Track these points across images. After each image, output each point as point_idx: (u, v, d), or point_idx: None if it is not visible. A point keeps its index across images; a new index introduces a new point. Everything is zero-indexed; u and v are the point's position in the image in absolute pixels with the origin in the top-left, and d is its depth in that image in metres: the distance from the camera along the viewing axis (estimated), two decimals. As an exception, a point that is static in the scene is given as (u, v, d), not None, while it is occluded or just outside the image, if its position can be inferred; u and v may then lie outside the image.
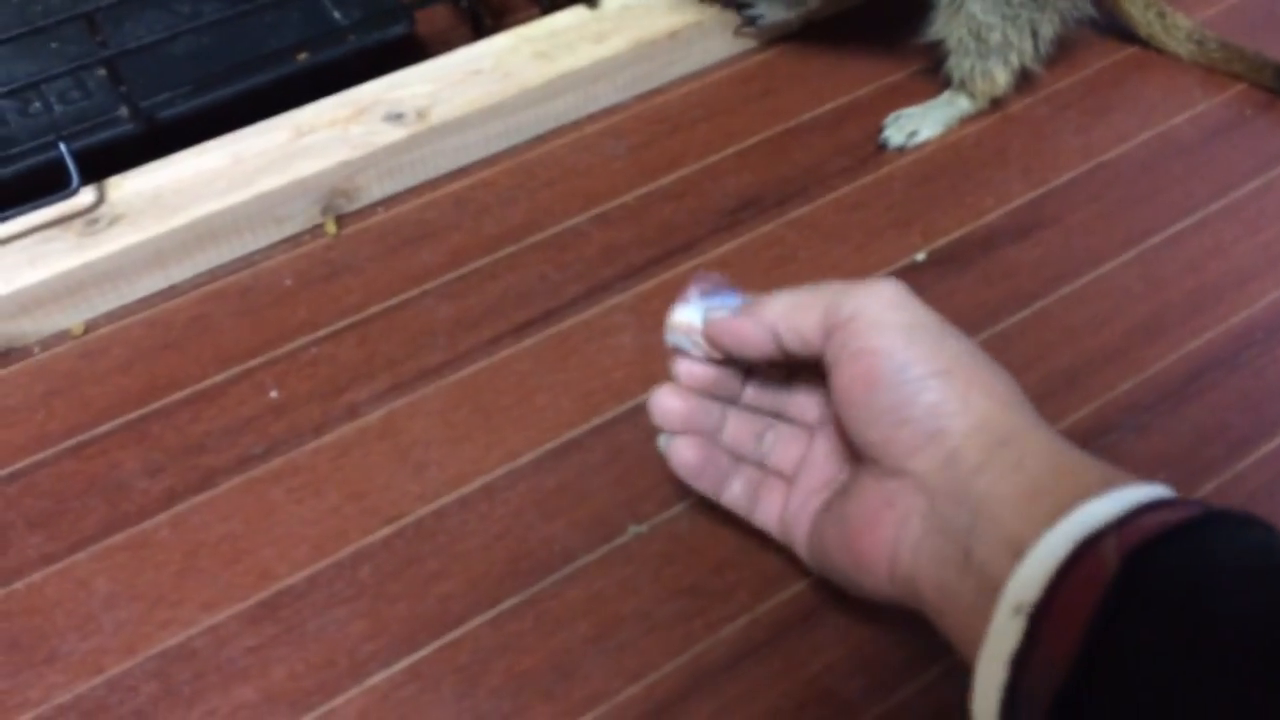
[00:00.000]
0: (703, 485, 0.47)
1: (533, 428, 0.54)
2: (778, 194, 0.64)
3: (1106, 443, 0.53)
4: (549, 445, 0.53)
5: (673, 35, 0.68)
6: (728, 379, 0.46)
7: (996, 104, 0.68)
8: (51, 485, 0.51)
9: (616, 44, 0.67)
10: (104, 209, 0.58)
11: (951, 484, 0.37)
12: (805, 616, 0.47)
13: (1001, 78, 0.65)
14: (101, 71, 0.65)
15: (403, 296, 0.59)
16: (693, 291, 0.46)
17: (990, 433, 0.37)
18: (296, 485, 0.51)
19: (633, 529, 0.50)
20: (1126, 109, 0.69)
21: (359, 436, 0.53)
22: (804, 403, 0.46)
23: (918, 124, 0.66)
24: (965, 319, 0.58)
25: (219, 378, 0.55)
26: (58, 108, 0.66)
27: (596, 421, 0.54)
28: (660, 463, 0.52)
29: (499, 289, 0.59)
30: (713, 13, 0.69)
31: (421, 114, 0.63)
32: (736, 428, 0.46)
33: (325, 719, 0.44)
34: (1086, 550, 0.32)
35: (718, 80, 0.71)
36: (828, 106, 0.70)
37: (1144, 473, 0.52)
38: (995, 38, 0.63)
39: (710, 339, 0.44)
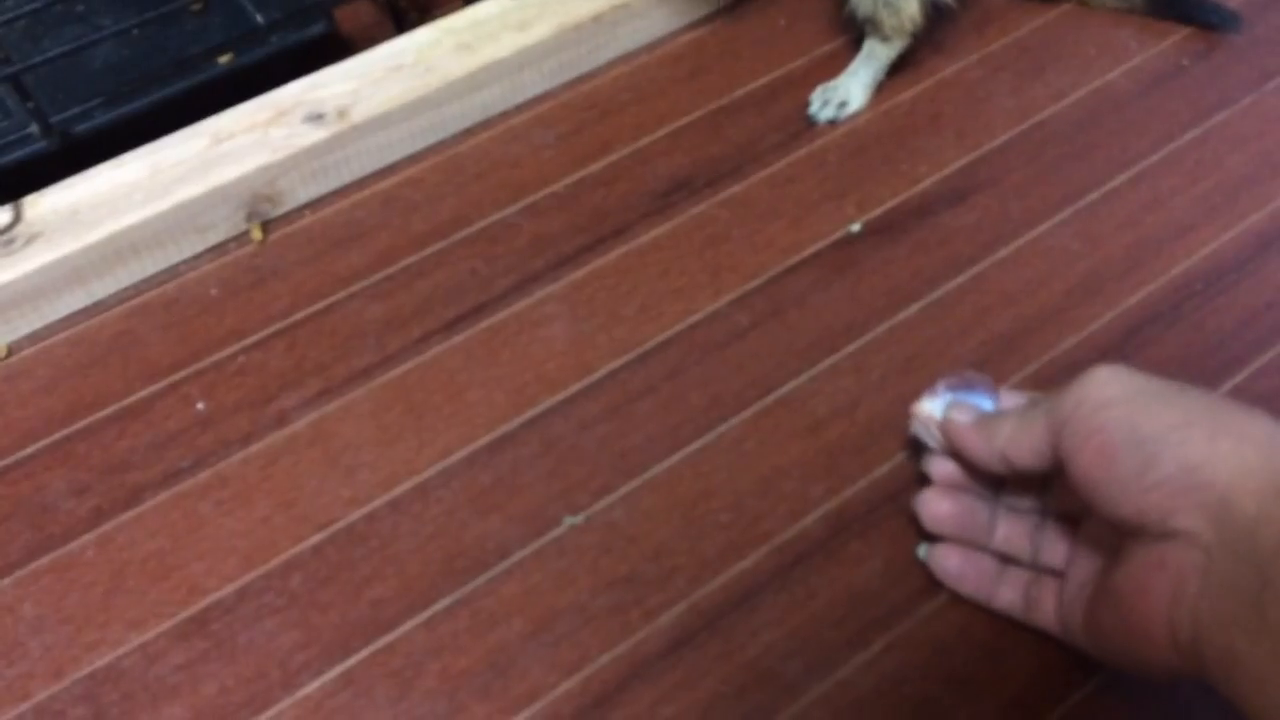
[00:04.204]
0: (968, 590, 0.45)
1: (465, 424, 0.53)
2: (710, 173, 0.63)
3: (1045, 404, 0.52)
4: (482, 441, 0.52)
5: (597, 19, 0.67)
6: (983, 475, 0.44)
7: (912, 48, 0.66)
8: (-25, 512, 0.50)
9: (540, 31, 0.66)
10: (20, 228, 0.57)
11: (1230, 539, 0.34)
12: (744, 599, 0.46)
13: (906, 7, 0.63)
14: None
15: (331, 299, 0.58)
16: (940, 385, 0.46)
17: (1259, 479, 0.34)
18: (225, 497, 0.50)
19: (568, 521, 0.49)
20: (1061, 67, 0.68)
21: (288, 444, 0.52)
22: (1066, 494, 0.43)
23: (845, 93, 0.65)
24: (902, 288, 0.58)
25: (144, 393, 0.54)
26: (-27, 129, 0.65)
27: (530, 414, 0.53)
28: (596, 451, 0.52)
29: (429, 286, 0.58)
30: (638, -7, 0.68)
31: (342, 113, 0.62)
32: (1008, 528, 0.44)
33: (258, 733, 0.43)
34: None
35: (647, 62, 0.70)
36: (760, 82, 0.69)
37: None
38: None
39: (947, 439, 0.44)
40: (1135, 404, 0.37)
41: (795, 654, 0.45)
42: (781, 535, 0.48)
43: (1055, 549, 0.43)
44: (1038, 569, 0.44)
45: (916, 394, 0.53)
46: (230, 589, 0.47)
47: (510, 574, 0.47)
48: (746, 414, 0.53)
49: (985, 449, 0.42)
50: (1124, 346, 0.54)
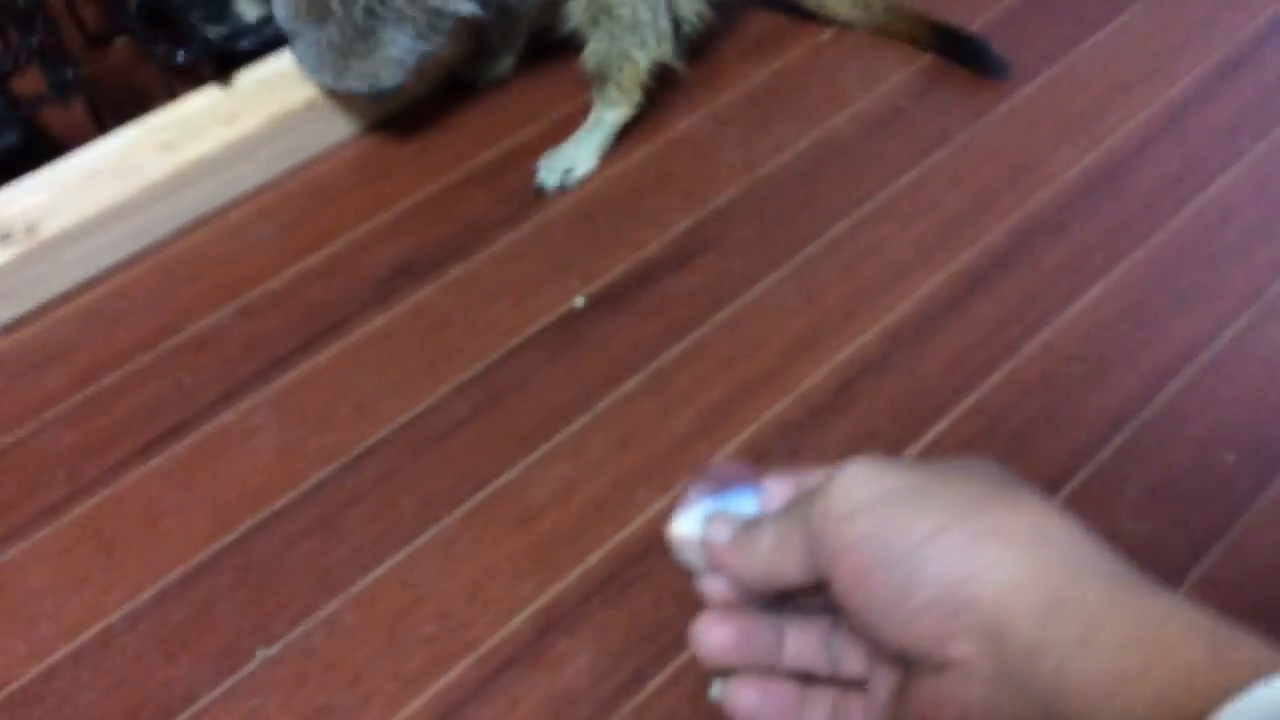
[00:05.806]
0: None
1: (159, 557, 0.50)
2: (434, 256, 0.62)
3: (756, 473, 0.51)
4: (176, 574, 0.49)
5: (311, 105, 0.65)
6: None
7: (641, 110, 0.66)
8: None
9: (249, 122, 0.64)
10: None
11: (1009, 669, 0.30)
12: (444, 718, 0.44)
13: (641, 60, 0.62)
14: None
15: (21, 432, 0.54)
16: (692, 493, 0.38)
17: (1031, 594, 0.29)
18: (-115, 669, 0.46)
19: (260, 653, 0.46)
20: (787, 116, 0.69)
21: (-37, 600, 0.48)
22: None
23: (571, 159, 0.64)
24: (623, 362, 0.56)
25: None
26: None
27: (230, 537, 0.50)
28: (297, 571, 0.49)
29: (128, 406, 0.55)
30: (354, 75, 0.66)
31: (31, 229, 0.59)
32: (798, 640, 0.38)
33: None
34: None
35: (371, 143, 0.68)
36: (490, 153, 0.67)
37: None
38: (625, 14, 0.61)
39: (710, 560, 0.37)
40: (883, 512, 0.32)
41: (494, 772, 0.43)
42: (488, 642, 0.46)
43: (854, 657, 0.38)
44: (841, 683, 0.38)
45: (633, 472, 0.52)
46: (-117, 775, 0.43)
47: (198, 719, 0.45)
48: (458, 513, 0.51)
49: (747, 571, 0.36)
50: (835, 402, 0.54)
